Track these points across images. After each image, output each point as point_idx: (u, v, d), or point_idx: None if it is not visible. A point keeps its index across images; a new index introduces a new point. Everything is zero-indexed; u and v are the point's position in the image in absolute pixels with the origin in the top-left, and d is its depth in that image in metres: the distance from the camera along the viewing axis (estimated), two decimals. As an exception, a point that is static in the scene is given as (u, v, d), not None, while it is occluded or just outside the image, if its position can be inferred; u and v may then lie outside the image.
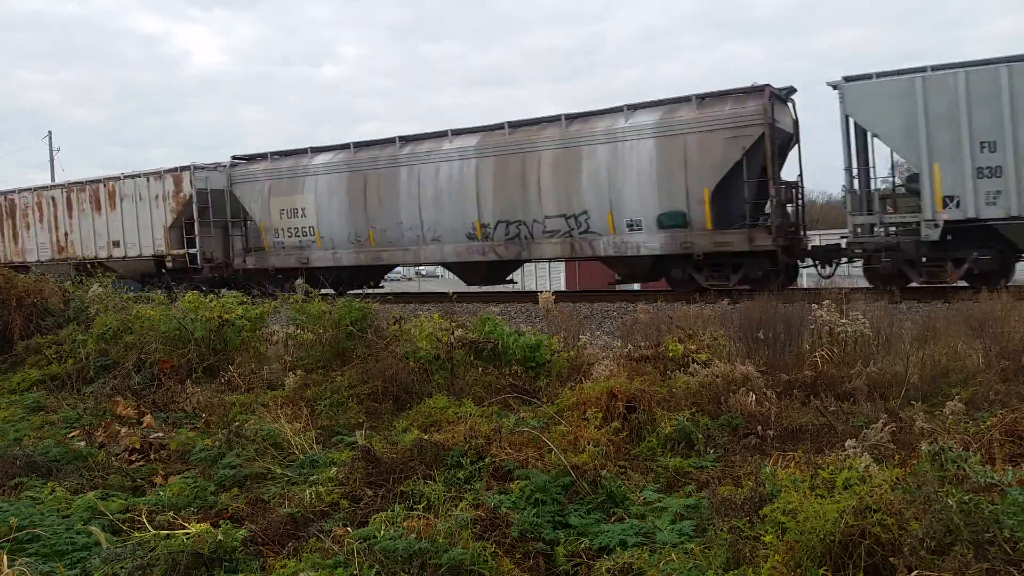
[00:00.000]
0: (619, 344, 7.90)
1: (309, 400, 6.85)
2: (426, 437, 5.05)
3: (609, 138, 16.41)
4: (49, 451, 5.67)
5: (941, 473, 3.34)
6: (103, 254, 24.67)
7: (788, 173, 16.34)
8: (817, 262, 15.46)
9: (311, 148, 21.40)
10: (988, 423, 4.61)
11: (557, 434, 4.96)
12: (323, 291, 19.40)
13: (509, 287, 21.02)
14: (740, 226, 15.31)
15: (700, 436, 5.20)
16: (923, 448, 3.59)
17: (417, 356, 7.17)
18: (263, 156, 22.24)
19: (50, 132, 50.93)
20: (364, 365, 7.26)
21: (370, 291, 22.27)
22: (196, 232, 22.68)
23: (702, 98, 15.79)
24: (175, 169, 23.07)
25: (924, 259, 13.95)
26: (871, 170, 14.77)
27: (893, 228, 14.22)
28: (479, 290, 19.87)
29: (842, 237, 15.78)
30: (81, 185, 25.52)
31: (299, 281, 14.13)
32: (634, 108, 16.54)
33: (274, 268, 21.67)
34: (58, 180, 36.03)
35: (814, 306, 7.67)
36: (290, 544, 3.87)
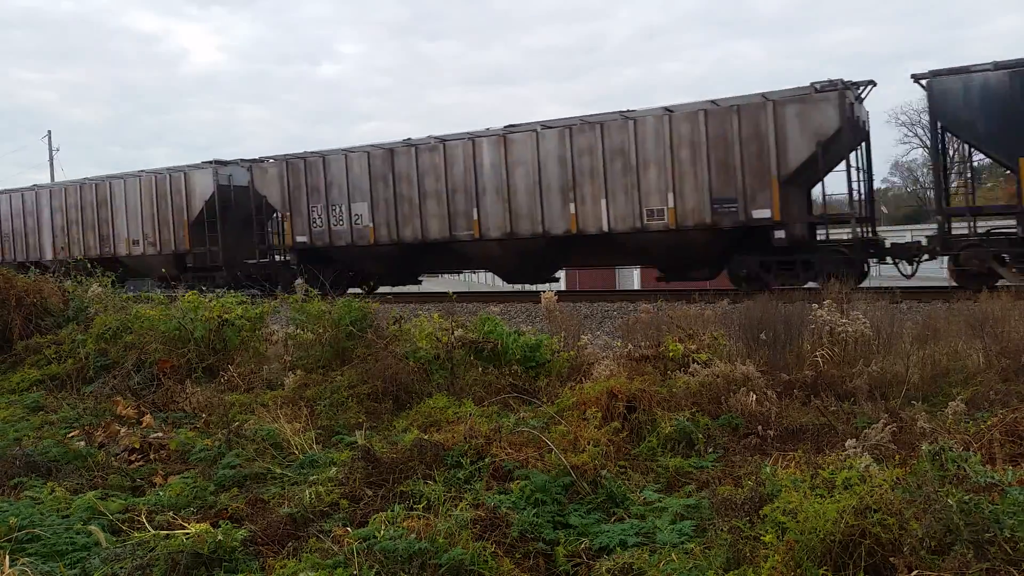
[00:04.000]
0: (619, 344, 7.89)
1: (309, 400, 6.84)
2: (426, 437, 5.05)
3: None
4: (49, 451, 5.66)
5: (941, 473, 3.34)
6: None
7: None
8: None
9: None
10: (988, 423, 4.61)
11: (557, 434, 4.95)
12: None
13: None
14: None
15: (700, 436, 5.19)
16: (923, 448, 3.59)
17: (417, 356, 7.17)
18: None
19: (49, 132, 50.96)
20: (364, 365, 7.26)
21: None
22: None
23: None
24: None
25: None
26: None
27: None
28: (479, 290, 19.92)
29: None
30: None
31: (298, 282, 14.06)
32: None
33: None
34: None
35: (814, 306, 7.66)
36: (290, 544, 3.87)
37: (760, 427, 5.44)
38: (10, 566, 3.57)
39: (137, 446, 5.91)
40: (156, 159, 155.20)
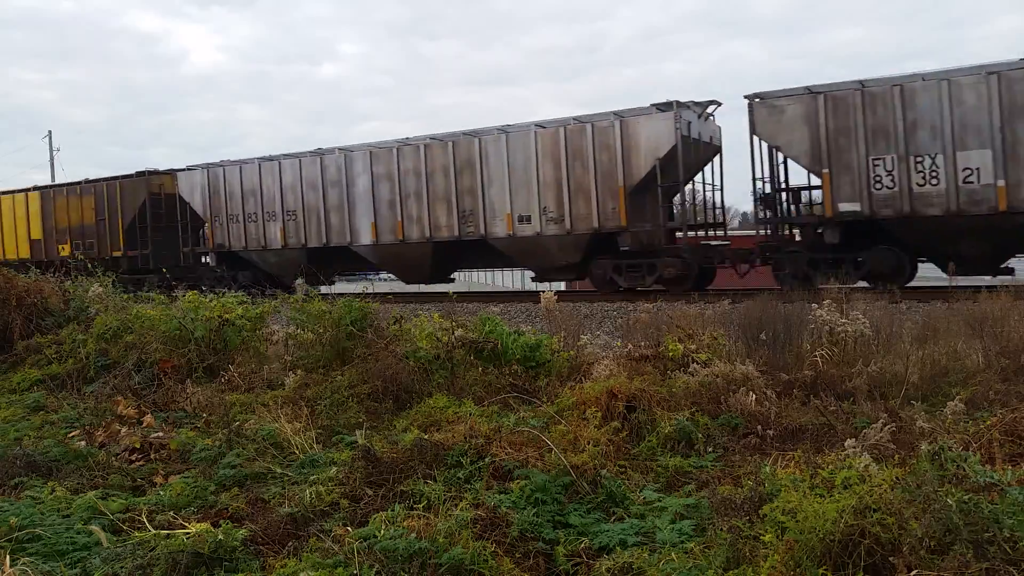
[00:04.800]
0: (619, 344, 7.90)
1: (309, 400, 6.85)
2: (426, 437, 5.05)
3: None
4: (49, 451, 5.67)
5: (941, 473, 3.35)
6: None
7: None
8: None
9: None
10: (988, 423, 4.61)
11: (557, 434, 4.96)
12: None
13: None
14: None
15: (700, 436, 5.20)
16: (923, 448, 3.59)
17: (417, 356, 7.17)
18: None
19: (50, 132, 51.02)
20: (364, 365, 7.26)
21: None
22: None
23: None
24: None
25: None
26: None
27: None
28: (479, 291, 19.87)
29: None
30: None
31: (299, 282, 14.04)
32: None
33: None
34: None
35: (814, 306, 7.67)
36: (290, 544, 3.88)
37: (760, 427, 5.44)
38: (11, 566, 3.57)
39: (138, 446, 5.92)
40: (156, 159, 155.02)
